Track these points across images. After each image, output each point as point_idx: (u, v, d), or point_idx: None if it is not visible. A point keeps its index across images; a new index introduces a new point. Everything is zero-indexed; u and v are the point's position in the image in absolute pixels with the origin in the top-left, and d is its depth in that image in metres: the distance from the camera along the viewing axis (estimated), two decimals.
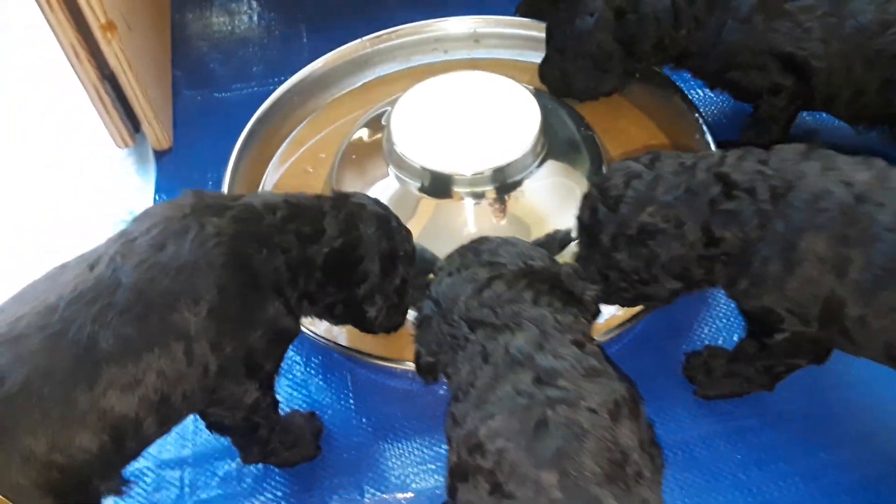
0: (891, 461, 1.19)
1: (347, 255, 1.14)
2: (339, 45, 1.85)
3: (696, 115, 1.58)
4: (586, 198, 1.20)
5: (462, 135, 1.47)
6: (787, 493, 1.20)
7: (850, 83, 1.39)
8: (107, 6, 1.54)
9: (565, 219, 1.45)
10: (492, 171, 1.43)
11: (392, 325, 1.27)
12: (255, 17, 2.14)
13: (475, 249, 1.08)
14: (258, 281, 1.06)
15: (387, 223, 1.21)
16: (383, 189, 1.52)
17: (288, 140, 1.78)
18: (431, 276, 1.36)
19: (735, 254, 1.08)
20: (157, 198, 1.74)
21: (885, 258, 0.99)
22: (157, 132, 1.78)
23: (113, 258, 1.01)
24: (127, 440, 0.99)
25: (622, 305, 1.28)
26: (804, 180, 1.06)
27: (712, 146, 1.53)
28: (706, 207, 1.08)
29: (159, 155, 1.81)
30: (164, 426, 1.04)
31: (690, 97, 1.64)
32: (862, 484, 1.19)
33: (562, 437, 0.82)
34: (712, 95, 1.76)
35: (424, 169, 1.44)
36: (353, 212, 1.17)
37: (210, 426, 1.15)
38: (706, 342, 1.37)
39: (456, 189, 1.45)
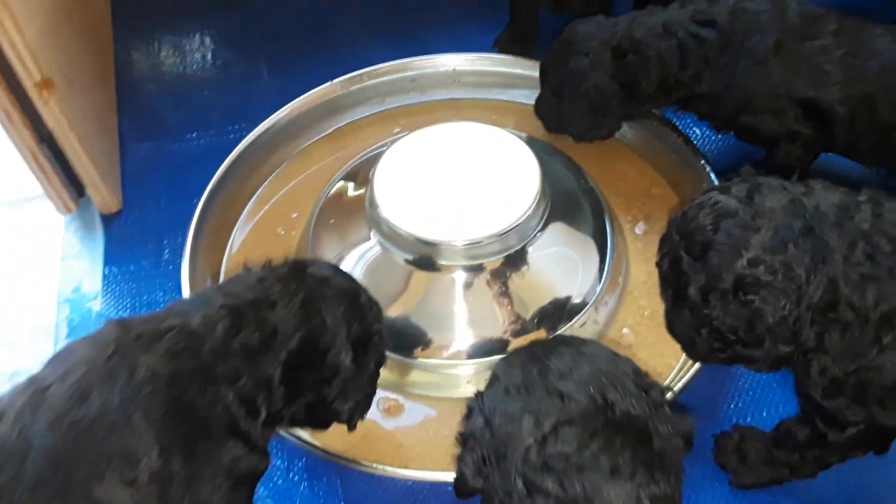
0: None
1: (309, 352, 0.96)
2: (305, 85, 1.69)
3: (703, 161, 1.46)
4: (665, 243, 1.01)
5: (454, 197, 1.32)
6: None
7: (874, 128, 1.28)
8: (42, 61, 1.35)
9: (573, 288, 1.32)
10: (491, 239, 1.28)
11: (363, 416, 1.10)
12: (210, 56, 1.95)
13: (542, 365, 0.87)
14: (207, 428, 0.88)
15: (355, 299, 1.03)
16: (364, 256, 1.37)
17: (255, 197, 1.61)
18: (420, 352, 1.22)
19: (851, 327, 0.90)
20: (106, 270, 1.54)
21: None
22: (104, 194, 1.59)
23: (21, 414, 0.81)
24: None
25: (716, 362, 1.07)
26: None
27: None
28: (838, 263, 0.88)
29: (107, 219, 1.61)
30: None
31: (691, 138, 1.53)
32: None
33: None
34: (710, 133, 1.65)
35: (413, 237, 1.29)
36: (311, 292, 0.98)
37: None
38: (732, 420, 1.24)
39: (449, 261, 1.29)
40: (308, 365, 0.97)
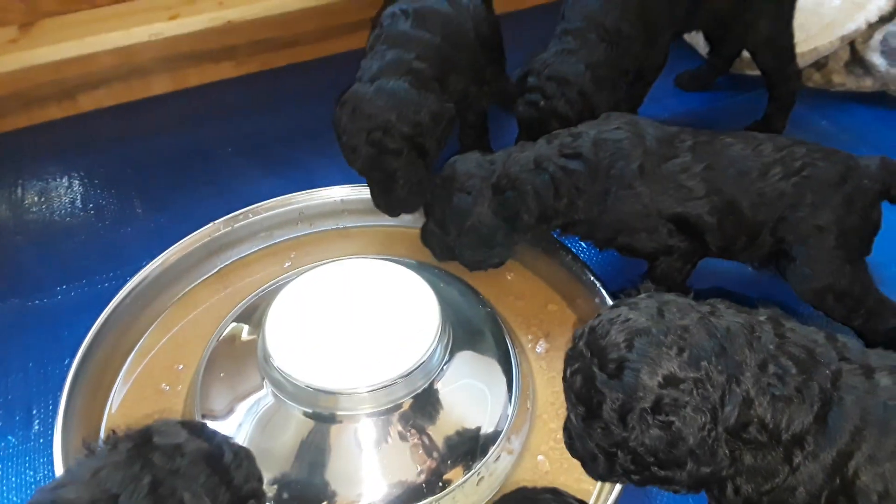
0: None
1: None
2: (187, 222, 1.63)
3: (593, 277, 1.50)
4: (573, 359, 0.97)
5: (352, 340, 1.27)
6: None
7: (742, 229, 1.37)
8: None
9: (484, 420, 1.29)
10: (396, 381, 1.23)
11: None
12: (79, 199, 1.85)
13: None
14: None
15: (218, 462, 0.91)
16: (257, 407, 1.28)
17: (134, 351, 1.49)
18: None
19: (768, 448, 0.92)
20: None
21: None
22: None
23: None
24: None
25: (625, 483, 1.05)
26: (846, 393, 0.93)
27: (608, 303, 1.44)
28: (750, 384, 0.90)
29: None
30: None
31: (577, 251, 1.58)
32: None
33: None
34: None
35: (311, 388, 1.22)
36: (160, 471, 0.85)
37: None
38: None
39: (352, 409, 1.23)
40: None
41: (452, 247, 1.50)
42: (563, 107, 1.58)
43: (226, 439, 0.96)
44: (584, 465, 1.03)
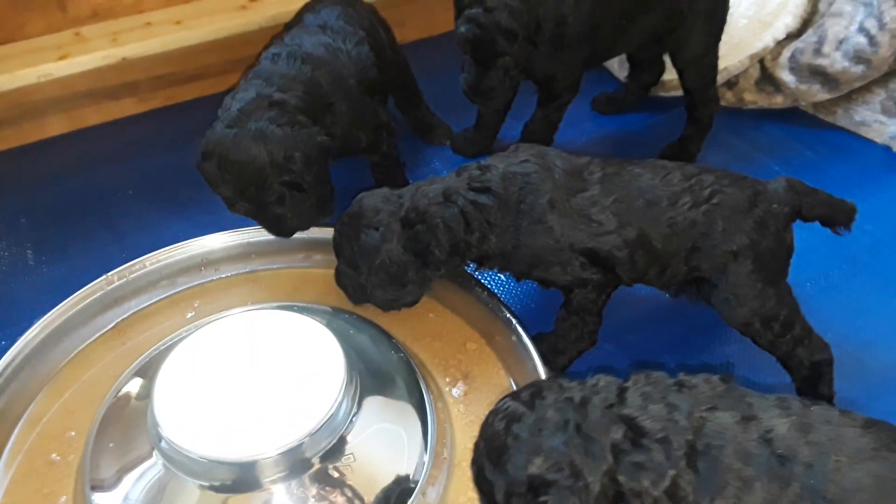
0: None
1: None
2: (83, 274, 1.54)
3: (509, 314, 1.46)
4: (475, 448, 1.03)
5: (252, 401, 1.20)
6: None
7: (654, 260, 1.35)
8: None
9: (402, 466, 1.23)
10: (304, 439, 1.15)
11: None
12: None
13: None
14: None
15: None
16: (145, 477, 1.19)
17: (23, 419, 1.38)
18: None
19: None
20: None
21: None
22: None
23: None
24: None
25: None
26: (723, 440, 0.94)
27: (530, 348, 1.40)
28: (608, 454, 0.94)
29: None
30: None
31: (494, 285, 1.53)
32: None
33: None
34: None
35: (211, 460, 1.13)
36: None
37: None
38: None
39: (260, 477, 1.15)
40: None
41: (365, 287, 1.44)
42: (507, 19, 1.52)
43: None
44: None
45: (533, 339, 1.42)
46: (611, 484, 0.93)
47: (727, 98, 2.11)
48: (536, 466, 0.94)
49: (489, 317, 1.50)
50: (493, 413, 1.02)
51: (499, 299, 1.49)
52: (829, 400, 1.36)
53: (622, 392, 1.00)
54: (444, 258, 1.35)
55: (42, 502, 1.25)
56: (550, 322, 1.48)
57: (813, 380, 1.36)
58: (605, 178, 1.34)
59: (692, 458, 0.93)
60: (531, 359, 1.39)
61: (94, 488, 1.21)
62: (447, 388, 1.44)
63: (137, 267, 1.55)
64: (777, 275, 1.36)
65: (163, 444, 1.15)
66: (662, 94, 2.10)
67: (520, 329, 1.43)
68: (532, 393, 1.01)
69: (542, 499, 0.93)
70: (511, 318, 1.45)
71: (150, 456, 1.19)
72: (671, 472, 0.92)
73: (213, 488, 1.15)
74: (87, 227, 1.77)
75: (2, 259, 1.71)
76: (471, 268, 1.49)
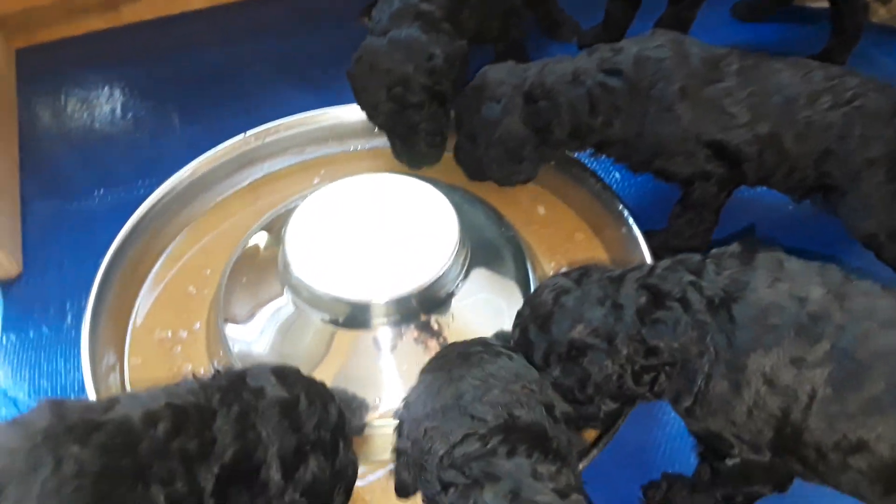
0: None
1: (242, 468, 0.92)
2: (220, 136, 1.64)
3: (621, 206, 1.47)
4: (518, 315, 1.13)
5: (372, 252, 1.28)
6: None
7: (783, 160, 1.31)
8: None
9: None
10: (413, 293, 1.24)
11: None
12: (119, 109, 1.88)
13: (459, 390, 0.97)
14: None
15: (291, 409, 0.99)
16: (277, 315, 1.31)
17: (164, 255, 1.53)
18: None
19: (675, 364, 0.99)
20: (4, 339, 1.44)
21: (845, 386, 0.91)
22: (3, 257, 1.49)
23: None
24: None
25: None
26: (749, 292, 0.98)
27: (640, 240, 1.42)
28: (635, 318, 1.02)
29: (6, 284, 1.52)
30: None
31: (609, 181, 1.54)
32: None
33: None
34: (629, 177, 1.66)
35: (331, 297, 1.24)
36: (246, 405, 0.95)
37: None
38: (661, 468, 1.22)
39: (371, 319, 1.24)
40: (239, 481, 0.93)
41: (482, 164, 1.47)
42: None
43: (309, 389, 1.03)
44: None
45: (644, 234, 1.43)
46: (639, 345, 1.01)
47: (880, 14, 1.96)
48: (578, 332, 1.03)
49: (600, 209, 1.52)
50: (542, 287, 1.11)
51: (612, 191, 1.50)
52: None
53: (653, 268, 1.06)
54: (564, 138, 1.36)
55: (178, 325, 1.41)
56: (662, 221, 1.48)
57: None
58: (743, 70, 1.30)
59: (713, 311, 0.97)
60: (640, 252, 1.40)
61: (227, 320, 1.34)
62: (551, 273, 1.48)
63: (272, 131, 1.64)
64: None
65: (293, 281, 1.26)
66: (809, 3, 1.98)
67: (631, 221, 1.44)
68: (581, 273, 1.10)
69: (582, 359, 1.02)
70: (623, 210, 1.46)
71: (280, 294, 1.30)
72: (688, 323, 0.98)
73: (331, 322, 1.25)
74: (225, 95, 1.88)
75: (151, 120, 1.86)
76: (585, 155, 1.50)
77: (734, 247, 1.05)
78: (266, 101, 1.86)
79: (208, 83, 1.92)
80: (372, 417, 1.23)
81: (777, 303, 0.96)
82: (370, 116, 1.52)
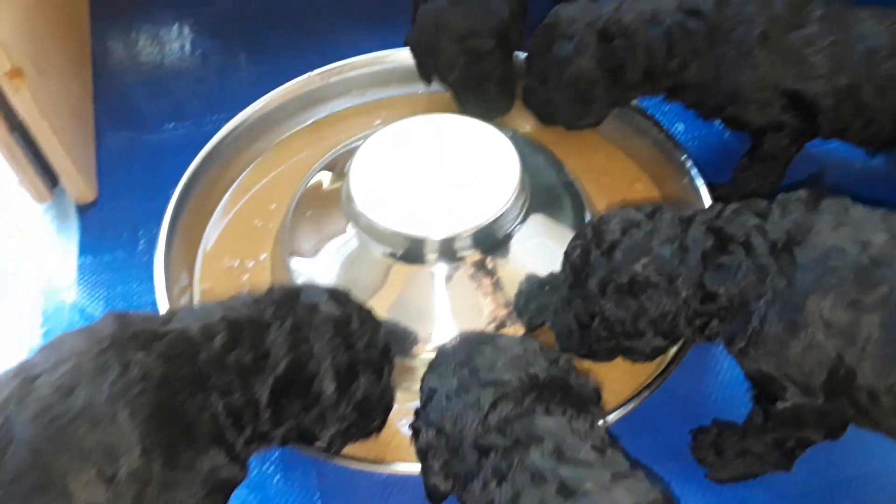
0: None
1: (295, 379, 0.97)
2: (285, 76, 1.67)
3: (684, 156, 1.46)
4: (578, 237, 1.12)
5: (433, 190, 1.31)
6: None
7: (860, 114, 1.29)
8: (11, 51, 1.32)
9: None
10: (470, 232, 1.26)
11: (354, 441, 1.10)
12: (188, 46, 1.92)
13: (471, 367, 0.97)
14: (192, 433, 0.87)
15: (344, 326, 1.02)
16: (342, 248, 1.35)
17: (232, 189, 1.58)
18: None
19: (731, 309, 1.00)
20: (80, 260, 1.52)
21: None
22: (79, 184, 1.56)
23: (6, 403, 0.80)
24: None
25: (595, 359, 1.15)
26: (813, 235, 0.97)
27: (702, 190, 1.41)
28: (699, 262, 1.01)
29: (82, 209, 1.59)
30: None
31: (671, 132, 1.52)
32: None
33: None
34: (693, 129, 1.64)
35: (390, 231, 1.27)
36: (300, 320, 0.99)
37: None
38: (712, 416, 1.23)
39: (428, 255, 1.28)
40: (293, 392, 0.97)
41: (551, 105, 1.47)
42: None
43: (359, 310, 1.07)
44: (558, 339, 1.15)
45: (707, 186, 1.42)
46: (697, 290, 1.01)
47: None
48: (642, 266, 1.02)
49: (662, 159, 1.51)
50: (610, 215, 1.09)
51: (675, 141, 1.49)
52: None
53: (721, 211, 1.04)
54: (637, 80, 1.34)
55: (245, 255, 1.47)
56: (724, 176, 1.47)
57: None
58: (826, 17, 1.26)
59: (775, 254, 0.96)
60: (702, 203, 1.40)
61: (293, 254, 1.39)
62: None
63: (336, 71, 1.67)
64: None
65: (356, 215, 1.29)
66: None
67: (694, 171, 1.43)
68: (654, 209, 1.08)
69: (640, 294, 1.02)
70: (686, 160, 1.45)
71: (344, 230, 1.34)
72: (749, 268, 0.97)
73: (390, 256, 1.29)
74: (293, 35, 1.90)
75: (219, 58, 1.89)
76: (650, 105, 1.48)
77: (801, 192, 1.03)
78: (331, 41, 1.87)
79: (275, 22, 1.94)
80: (420, 350, 1.27)
81: (839, 246, 0.95)
82: (442, 75, 1.52)
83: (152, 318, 0.95)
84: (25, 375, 0.83)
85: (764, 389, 1.05)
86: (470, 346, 1.00)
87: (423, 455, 0.96)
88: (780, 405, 1.02)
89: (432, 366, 1.02)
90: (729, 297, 1.00)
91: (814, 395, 0.98)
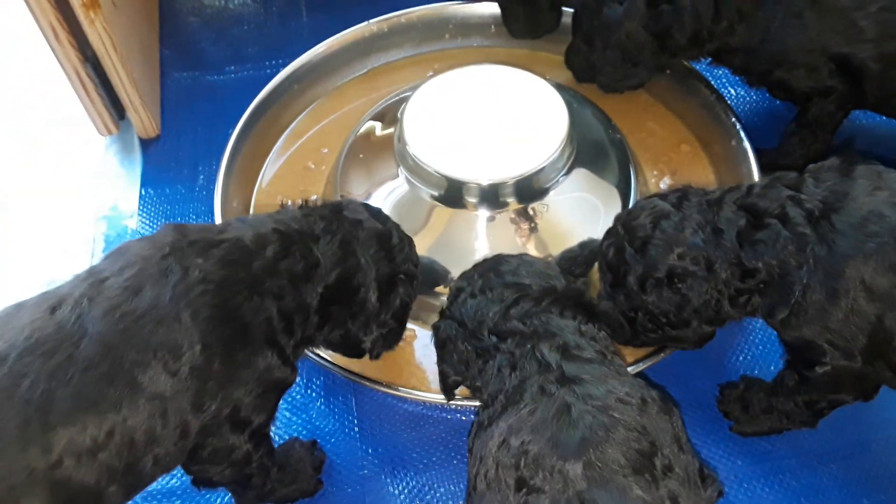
0: None
1: (343, 289, 1.03)
2: (343, 25, 1.71)
3: (734, 119, 1.46)
4: (610, 234, 1.14)
5: (482, 138, 1.34)
6: None
7: None
8: None
9: (594, 233, 1.34)
10: (514, 180, 1.30)
11: (389, 349, 1.17)
12: None
13: (496, 270, 1.07)
14: (248, 334, 0.94)
15: (387, 241, 1.09)
16: (392, 192, 1.40)
17: (287, 132, 1.64)
18: (442, 289, 1.26)
19: (772, 282, 1.02)
20: (142, 191, 1.60)
21: None
22: (144, 119, 1.64)
23: (79, 301, 0.87)
24: None
25: (646, 346, 1.19)
26: (850, 201, 0.99)
27: (750, 153, 1.42)
28: (734, 242, 1.03)
29: (146, 143, 1.67)
30: (132, 493, 0.91)
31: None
32: None
33: (587, 428, 0.82)
34: (745, 94, 1.64)
35: (439, 174, 1.32)
36: (348, 234, 1.05)
37: (196, 482, 1.02)
38: (740, 372, 1.26)
39: (472, 199, 1.32)
40: (341, 300, 1.04)
41: (595, 67, 1.49)
42: None
43: (396, 226, 1.14)
44: (612, 333, 1.15)
45: (754, 151, 1.43)
46: (736, 268, 1.03)
47: None
48: (677, 257, 1.05)
49: (711, 122, 1.52)
50: (639, 208, 1.11)
51: (726, 103, 1.50)
52: None
53: (751, 188, 1.06)
54: (684, 44, 1.36)
55: (298, 194, 1.52)
56: (773, 142, 1.47)
57: None
58: None
59: (814, 222, 0.98)
60: (749, 167, 1.41)
61: (344, 194, 1.44)
62: (653, 180, 1.51)
63: (392, 20, 1.70)
64: None
65: (406, 157, 1.34)
66: None
67: (743, 134, 1.44)
68: (680, 196, 1.10)
69: (678, 286, 1.05)
70: (735, 122, 1.46)
71: (395, 176, 1.39)
72: (788, 238, 0.99)
73: (439, 199, 1.34)
74: None
75: (279, 5, 1.94)
76: (702, 67, 1.49)
77: (832, 160, 1.05)
78: None
79: None
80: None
81: (878, 210, 0.96)
82: None
83: (208, 228, 1.01)
84: (95, 278, 0.91)
85: (802, 355, 1.07)
86: (497, 258, 1.09)
87: (441, 345, 1.06)
88: (818, 370, 1.04)
89: (462, 274, 1.11)
90: (769, 270, 1.01)
91: (853, 359, 1.00)
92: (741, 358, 1.30)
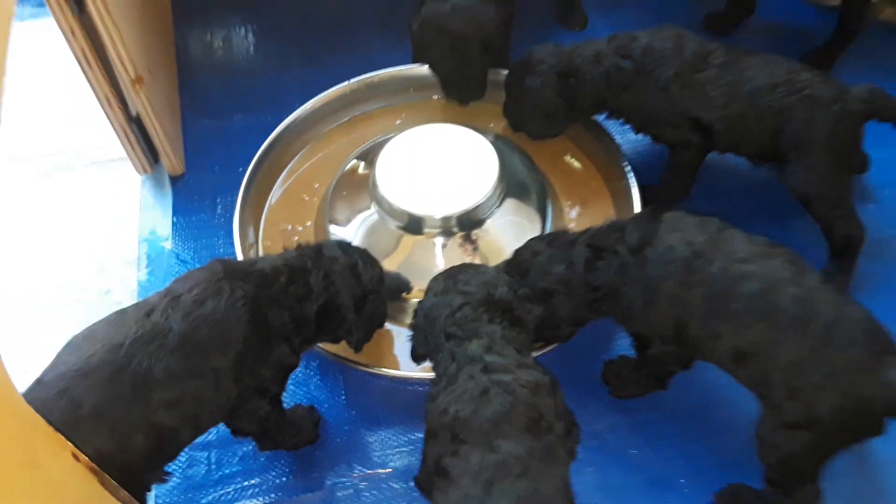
0: (746, 448, 1.52)
1: (330, 309, 1.48)
2: (329, 78, 2.14)
3: (625, 162, 1.93)
4: (505, 265, 1.59)
5: (435, 180, 1.81)
6: (673, 470, 1.59)
7: (747, 135, 1.73)
8: (136, 63, 1.82)
9: None
10: (459, 213, 1.77)
11: (367, 342, 1.62)
12: (252, 48, 2.40)
13: (455, 278, 1.45)
14: (272, 332, 1.39)
15: (355, 270, 1.51)
16: (366, 221, 1.86)
17: (286, 170, 2.08)
18: (407, 296, 1.73)
19: (610, 295, 1.48)
20: (174, 219, 2.04)
21: (713, 297, 1.38)
22: (173, 161, 2.07)
23: (165, 309, 1.32)
24: (168, 445, 1.33)
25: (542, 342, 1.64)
26: (657, 239, 1.44)
27: (633, 190, 1.88)
28: (584, 269, 1.49)
29: (174, 180, 2.11)
30: (196, 434, 1.37)
31: (620, 143, 1.98)
32: (725, 463, 1.58)
33: (499, 403, 1.22)
34: (639, 140, 2.10)
35: (402, 210, 1.78)
36: (328, 268, 1.47)
37: (233, 432, 1.49)
38: (620, 353, 1.74)
39: (428, 229, 1.79)
40: (329, 316, 1.48)
41: (523, 121, 1.95)
42: None
43: (362, 253, 1.56)
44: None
45: (641, 187, 1.89)
46: (587, 286, 1.49)
47: (887, 13, 2.26)
48: (546, 282, 1.50)
49: (612, 163, 1.99)
50: (525, 246, 1.57)
51: (621, 151, 1.96)
52: (847, 273, 1.74)
53: (596, 231, 1.52)
54: (587, 105, 1.83)
55: (295, 221, 1.97)
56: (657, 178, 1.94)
57: (841, 250, 1.74)
58: (724, 64, 1.71)
59: (634, 254, 1.43)
60: (632, 201, 1.87)
61: (331, 222, 1.90)
62: (566, 209, 1.98)
63: (368, 80, 2.15)
64: (840, 161, 1.68)
65: (379, 196, 1.81)
66: (824, 2, 2.29)
67: (630, 176, 1.90)
68: (551, 238, 1.56)
69: (551, 300, 1.48)
70: (626, 165, 1.92)
71: (368, 207, 1.85)
72: (617, 265, 1.45)
73: (401, 228, 1.81)
74: (337, 44, 2.37)
75: (277, 59, 2.37)
76: (606, 120, 1.95)
77: (645, 211, 1.52)
78: (366, 51, 2.33)
79: (324, 31, 2.39)
80: (414, 295, 1.75)
81: (673, 245, 1.41)
82: (433, 66, 2.00)
83: (244, 262, 1.47)
84: (173, 294, 1.36)
85: (641, 342, 1.56)
86: (460, 267, 1.49)
87: (413, 329, 1.47)
88: (651, 351, 1.54)
89: (435, 276, 1.49)
90: (607, 287, 1.47)
91: (669, 344, 1.48)
92: (620, 343, 1.77)
